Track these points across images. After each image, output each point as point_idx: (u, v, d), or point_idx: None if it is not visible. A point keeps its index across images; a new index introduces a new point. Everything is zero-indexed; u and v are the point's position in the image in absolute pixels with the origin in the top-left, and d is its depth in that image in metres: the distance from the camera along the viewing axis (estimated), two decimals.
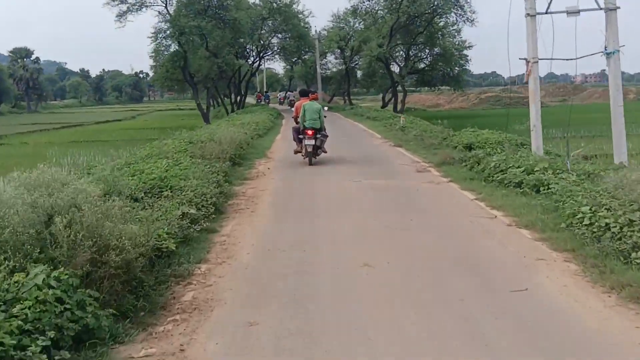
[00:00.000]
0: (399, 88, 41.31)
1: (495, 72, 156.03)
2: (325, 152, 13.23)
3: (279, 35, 45.25)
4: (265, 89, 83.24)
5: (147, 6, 29.28)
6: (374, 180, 10.21)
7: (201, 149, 11.21)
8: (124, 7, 28.72)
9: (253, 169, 12.19)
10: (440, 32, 40.12)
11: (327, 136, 13.24)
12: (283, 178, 11.00)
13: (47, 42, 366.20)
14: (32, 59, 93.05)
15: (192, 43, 30.58)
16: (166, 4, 29.60)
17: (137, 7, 28.97)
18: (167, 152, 11.33)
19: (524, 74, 11.80)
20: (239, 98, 47.82)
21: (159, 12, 29.60)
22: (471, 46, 43.90)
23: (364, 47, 36.46)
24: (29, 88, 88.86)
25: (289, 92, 59.58)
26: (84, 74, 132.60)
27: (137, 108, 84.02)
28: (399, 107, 39.31)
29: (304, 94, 14.64)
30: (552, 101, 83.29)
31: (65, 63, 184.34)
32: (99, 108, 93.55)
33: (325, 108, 15.89)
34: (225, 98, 49.33)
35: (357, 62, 50.64)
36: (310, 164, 12.49)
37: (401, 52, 44.82)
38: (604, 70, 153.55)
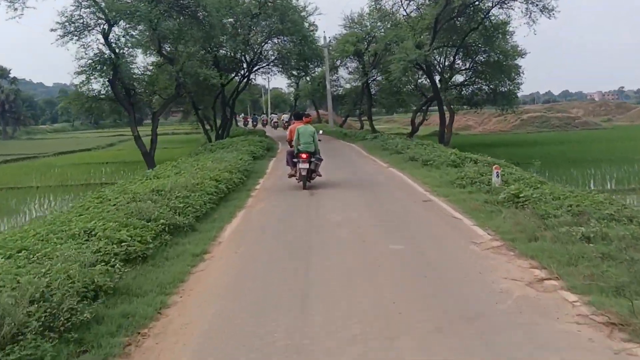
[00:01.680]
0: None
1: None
2: (320, 175, 12.78)
3: (275, 40, 33.85)
4: (270, 110, 73.06)
5: None
6: None
7: None
8: None
9: None
10: (499, 31, 28.57)
11: (321, 159, 12.74)
12: None
13: (59, 63, 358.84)
14: (9, 79, 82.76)
15: (130, 42, 19.28)
16: None
17: None
18: None
19: None
20: (226, 122, 36.42)
21: None
22: (525, 53, 32.32)
23: (394, 49, 24.84)
24: (4, 112, 79.00)
25: (272, 115, 57.18)
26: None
27: (126, 132, 73.47)
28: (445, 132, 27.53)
29: (298, 117, 14.08)
30: (602, 121, 71.50)
31: (75, 85, 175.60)
32: (90, 132, 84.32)
33: (320, 132, 14.40)
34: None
35: (374, 76, 39.09)
36: (305, 187, 12.06)
37: (439, 59, 33.36)
38: (622, 87, 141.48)
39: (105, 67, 18.79)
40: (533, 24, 25.94)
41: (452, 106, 30.66)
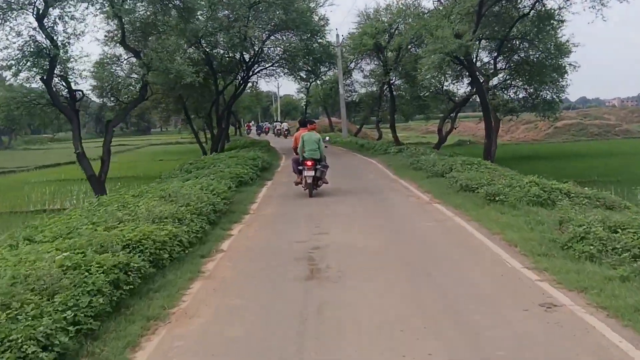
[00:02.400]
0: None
1: None
2: (326, 182, 12.59)
3: (278, 36, 28.69)
4: (280, 118, 68.49)
5: None
6: None
7: None
8: None
9: None
10: (553, 19, 23.07)
11: (327, 167, 12.59)
12: None
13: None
14: (4, 85, 78.58)
15: (73, 27, 14.21)
16: None
17: None
18: None
19: None
20: (222, 132, 31.50)
21: None
22: (569, 52, 26.36)
23: (427, 40, 19.51)
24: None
25: (276, 122, 56.92)
26: (84, 103, 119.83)
27: (127, 142, 69.08)
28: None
29: (303, 124, 13.65)
30: None
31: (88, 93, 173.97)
32: (93, 142, 79.96)
33: (327, 138, 14.91)
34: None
35: (393, 79, 33.71)
36: (311, 195, 11.91)
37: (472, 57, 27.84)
38: None
39: (40, 60, 13.71)
40: (601, 8, 20.32)
41: (497, 113, 25.19)
